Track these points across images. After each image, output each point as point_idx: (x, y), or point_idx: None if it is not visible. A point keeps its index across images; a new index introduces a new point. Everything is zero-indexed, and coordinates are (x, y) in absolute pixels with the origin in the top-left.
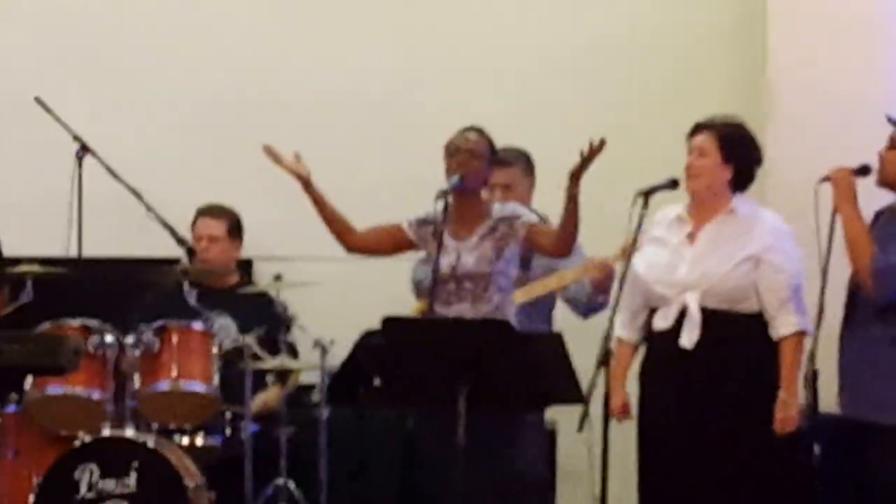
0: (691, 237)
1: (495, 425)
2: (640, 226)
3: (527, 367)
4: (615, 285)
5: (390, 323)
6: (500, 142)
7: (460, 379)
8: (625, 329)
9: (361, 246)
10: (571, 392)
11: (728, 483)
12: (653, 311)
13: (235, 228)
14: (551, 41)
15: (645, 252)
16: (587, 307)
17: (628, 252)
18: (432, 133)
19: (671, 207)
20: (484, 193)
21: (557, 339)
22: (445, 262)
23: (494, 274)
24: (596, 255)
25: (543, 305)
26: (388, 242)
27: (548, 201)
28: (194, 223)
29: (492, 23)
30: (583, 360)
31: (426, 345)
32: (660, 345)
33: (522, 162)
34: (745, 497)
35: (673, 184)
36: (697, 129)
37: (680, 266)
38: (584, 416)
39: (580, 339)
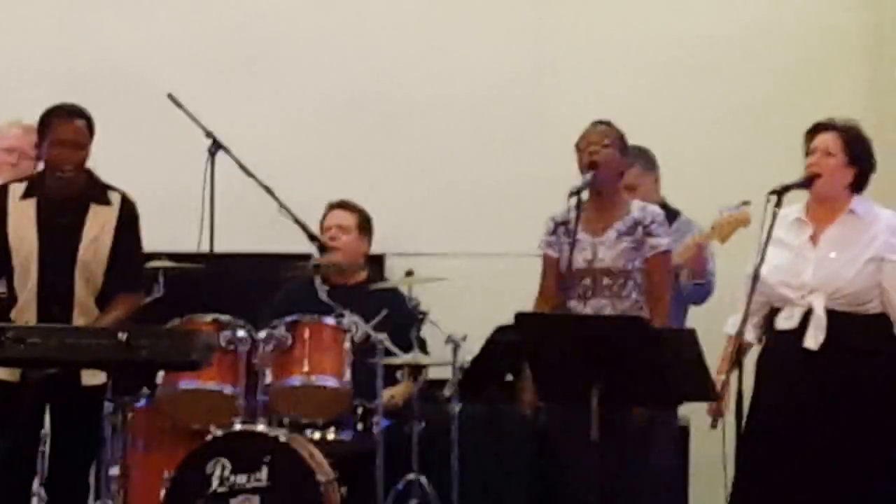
0: (813, 239)
1: (628, 421)
2: (773, 224)
3: (661, 363)
4: (747, 286)
5: (524, 318)
6: (634, 137)
7: (594, 375)
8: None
9: (557, 301)
10: (705, 389)
11: (840, 492)
12: (773, 310)
13: (365, 224)
14: (688, 36)
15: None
16: (688, 294)
17: (724, 234)
18: (570, 129)
19: (789, 209)
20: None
21: (691, 336)
22: (580, 257)
23: (632, 272)
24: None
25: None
26: (557, 275)
27: (678, 196)
28: (325, 216)
29: (628, 18)
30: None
31: (560, 341)
32: (782, 344)
33: (642, 160)
34: None
35: (808, 182)
36: (819, 128)
37: (804, 269)
38: (718, 413)
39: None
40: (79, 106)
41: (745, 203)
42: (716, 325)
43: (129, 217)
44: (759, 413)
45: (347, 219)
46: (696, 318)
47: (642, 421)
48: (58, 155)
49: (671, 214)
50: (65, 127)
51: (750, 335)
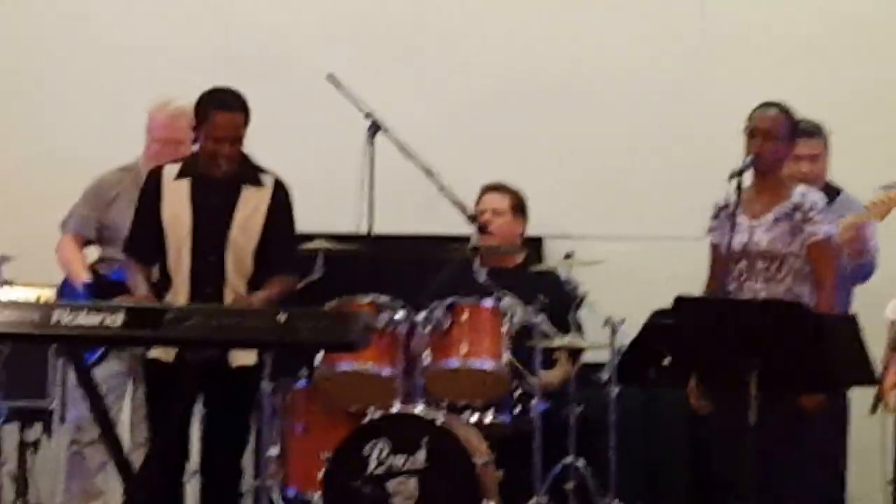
0: None
1: (786, 406)
2: None
3: (821, 349)
4: None
5: (683, 302)
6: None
7: (752, 359)
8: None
9: (717, 286)
10: (864, 374)
11: None
12: None
13: (519, 206)
14: (833, 14)
15: None
16: (850, 273)
17: (882, 212)
18: (732, 110)
19: None
20: (786, 168)
21: (852, 321)
22: (737, 240)
23: (788, 255)
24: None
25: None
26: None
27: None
28: (479, 198)
29: None
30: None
31: (719, 325)
32: None
33: (823, 134)
34: None
35: None
36: None
37: None
38: (878, 398)
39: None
40: (237, 94)
41: None
42: (878, 309)
43: (281, 199)
44: None
45: (501, 201)
46: (856, 301)
47: (807, 405)
48: (214, 149)
49: (832, 193)
50: (223, 121)
51: None
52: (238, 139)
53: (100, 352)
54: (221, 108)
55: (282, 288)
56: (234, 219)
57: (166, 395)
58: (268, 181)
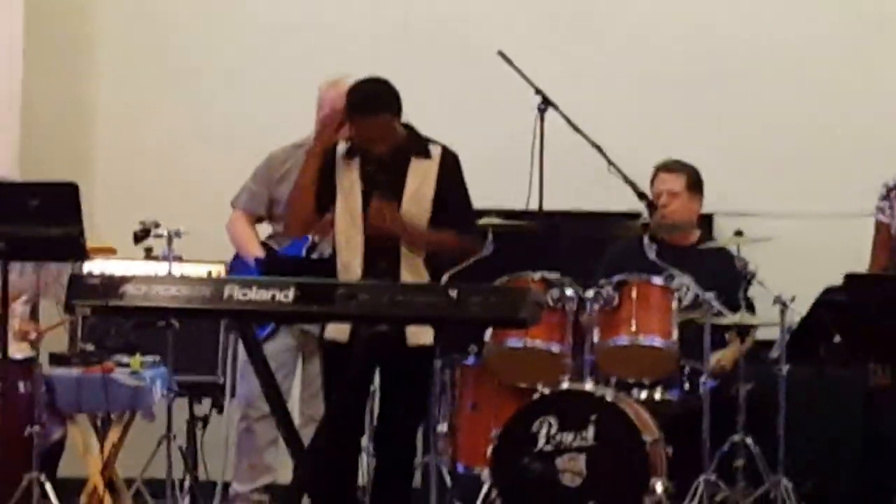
0: None
1: None
2: None
3: None
4: None
5: (854, 280)
6: None
7: None
8: None
9: (887, 265)
10: None
11: None
12: None
13: (695, 184)
14: None
15: None
16: None
17: None
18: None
19: None
20: None
21: None
22: None
23: None
24: None
25: None
26: (885, 241)
27: None
28: (653, 178)
29: None
30: None
31: (890, 302)
32: None
33: None
34: None
35: None
36: None
37: None
38: None
39: None
40: (377, 93)
41: None
42: None
43: (451, 167)
44: None
45: (676, 182)
46: None
47: None
48: (365, 146)
49: None
50: (363, 126)
51: None
52: (386, 137)
53: (270, 327)
54: (360, 114)
55: (457, 240)
56: (404, 192)
57: (342, 373)
58: (436, 152)
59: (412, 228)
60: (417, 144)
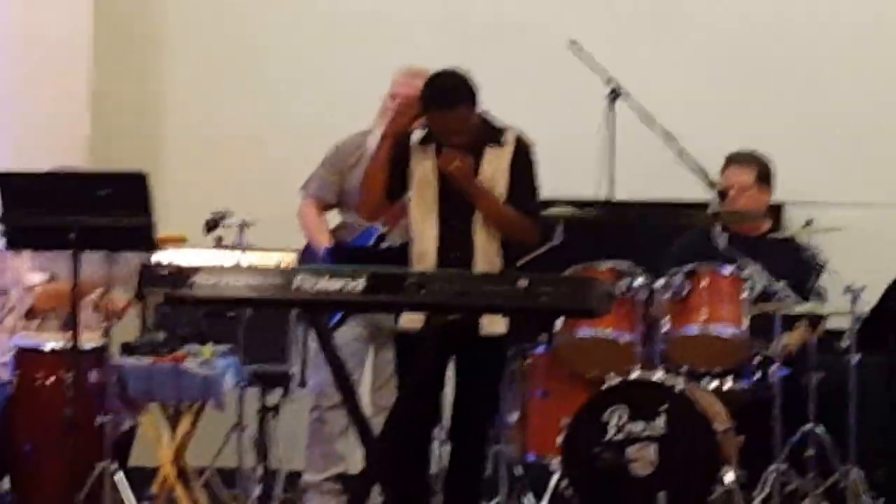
0: None
1: None
2: None
3: None
4: None
5: None
6: None
7: None
8: None
9: None
10: None
11: None
12: None
13: (765, 175)
14: None
15: None
16: None
17: None
18: None
19: None
20: None
21: None
22: None
23: None
24: None
25: None
26: None
27: None
28: (724, 170)
29: None
30: None
31: None
32: None
33: None
34: None
35: None
36: None
37: None
38: None
39: None
40: (454, 87)
41: None
42: None
43: (524, 154)
44: None
45: (746, 175)
46: None
47: None
48: (443, 138)
49: None
50: (440, 120)
51: None
52: (463, 129)
53: (338, 316)
54: (437, 107)
55: (521, 220)
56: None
57: (415, 362)
58: (510, 139)
59: (480, 184)
60: (492, 133)
